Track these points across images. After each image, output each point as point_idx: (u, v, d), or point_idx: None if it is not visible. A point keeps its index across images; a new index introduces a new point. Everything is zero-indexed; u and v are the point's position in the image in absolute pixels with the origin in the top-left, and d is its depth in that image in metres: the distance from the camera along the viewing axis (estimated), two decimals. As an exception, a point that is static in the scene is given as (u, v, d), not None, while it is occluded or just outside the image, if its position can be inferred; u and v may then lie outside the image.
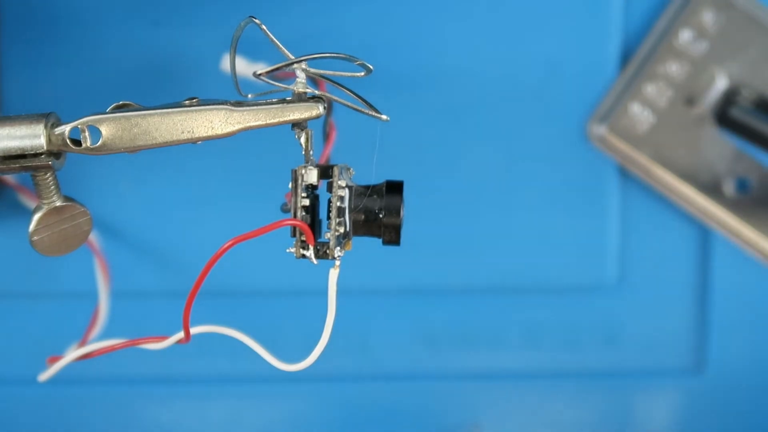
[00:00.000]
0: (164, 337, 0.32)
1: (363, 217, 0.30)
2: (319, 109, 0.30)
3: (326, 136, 0.35)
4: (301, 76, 0.30)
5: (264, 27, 0.29)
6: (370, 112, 0.30)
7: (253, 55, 0.36)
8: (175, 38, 0.41)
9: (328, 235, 0.30)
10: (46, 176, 0.31)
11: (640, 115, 0.42)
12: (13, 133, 0.30)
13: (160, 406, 0.44)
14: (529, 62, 0.42)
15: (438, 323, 0.44)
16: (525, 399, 0.45)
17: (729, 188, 0.42)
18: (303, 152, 0.30)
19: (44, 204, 0.31)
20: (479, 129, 0.43)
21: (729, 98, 0.42)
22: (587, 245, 0.43)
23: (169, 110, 0.30)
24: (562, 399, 0.45)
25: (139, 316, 0.43)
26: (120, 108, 0.30)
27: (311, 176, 0.30)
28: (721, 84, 0.42)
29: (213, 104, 0.30)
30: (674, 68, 0.42)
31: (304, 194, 0.30)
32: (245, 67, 0.36)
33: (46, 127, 0.30)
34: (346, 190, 0.30)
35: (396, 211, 0.30)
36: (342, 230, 0.30)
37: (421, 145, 0.42)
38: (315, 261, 0.30)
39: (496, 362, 0.45)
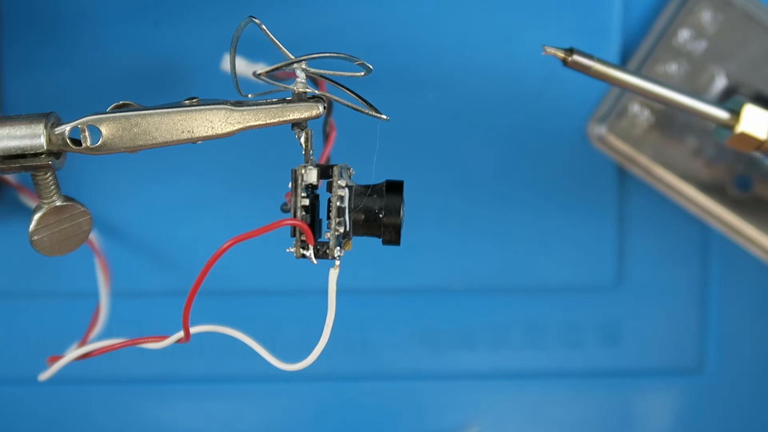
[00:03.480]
0: (164, 337, 0.32)
1: (363, 217, 0.30)
2: (319, 109, 0.30)
3: (326, 136, 0.35)
4: (301, 76, 0.30)
5: (264, 27, 0.30)
6: (370, 112, 0.30)
7: (253, 55, 0.36)
8: (175, 38, 0.41)
9: (328, 235, 0.30)
10: (46, 176, 0.31)
11: (639, 115, 0.42)
12: (13, 132, 0.30)
13: (160, 406, 0.44)
14: (529, 62, 0.42)
15: (438, 323, 0.44)
16: (525, 399, 0.45)
17: (730, 187, 0.42)
18: (303, 152, 0.30)
19: (44, 204, 0.31)
20: (479, 129, 0.43)
21: (728, 97, 0.42)
22: (587, 245, 0.43)
23: (169, 110, 0.30)
24: (562, 399, 0.45)
25: (139, 316, 0.43)
26: (120, 108, 0.30)
27: (311, 176, 0.30)
28: (720, 83, 0.42)
29: (213, 104, 0.30)
30: (673, 68, 0.42)
31: (303, 194, 0.30)
32: (245, 67, 0.36)
33: (46, 126, 0.30)
34: (346, 190, 0.30)
35: (396, 211, 0.30)
36: (342, 230, 0.30)
37: (421, 145, 0.42)
38: (315, 261, 0.30)
39: (496, 362, 0.45)
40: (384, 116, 0.30)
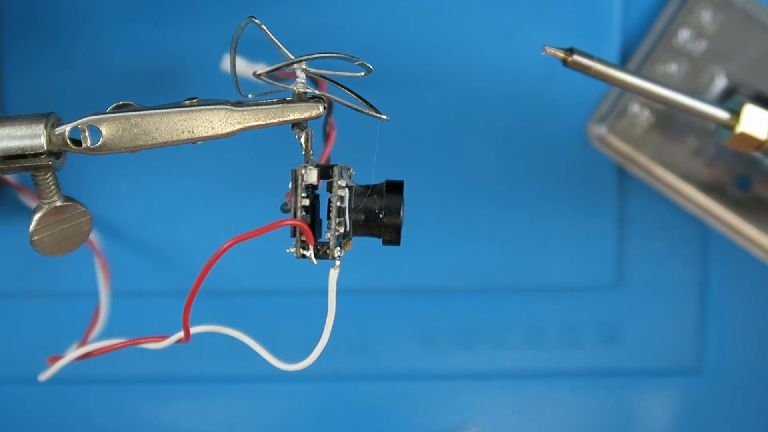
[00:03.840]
0: (164, 337, 0.32)
1: (363, 217, 0.30)
2: (319, 109, 0.30)
3: (326, 136, 0.35)
4: (301, 76, 0.30)
5: (264, 27, 0.30)
6: (370, 112, 0.30)
7: (253, 55, 0.36)
8: (175, 38, 0.41)
9: (328, 235, 0.30)
10: (47, 176, 0.31)
11: (639, 115, 0.42)
12: (14, 133, 0.30)
13: (160, 406, 0.44)
14: (529, 62, 0.42)
15: (438, 323, 0.44)
16: (525, 399, 0.45)
17: (730, 187, 0.42)
18: (303, 152, 0.30)
19: (44, 204, 0.31)
20: (479, 129, 0.43)
21: (728, 97, 0.42)
22: (587, 245, 0.43)
23: (169, 110, 0.30)
24: (562, 399, 0.45)
25: (139, 316, 0.43)
26: (120, 108, 0.30)
27: (311, 176, 0.30)
28: (720, 83, 0.42)
29: (213, 104, 0.30)
30: (673, 68, 0.42)
31: (304, 194, 0.30)
32: (245, 67, 0.36)
33: (46, 127, 0.30)
34: (346, 190, 0.30)
35: (396, 211, 0.30)
36: (342, 230, 0.30)
37: (421, 145, 0.42)
38: (315, 261, 0.30)
39: (497, 362, 0.45)
40: (384, 116, 0.30)
